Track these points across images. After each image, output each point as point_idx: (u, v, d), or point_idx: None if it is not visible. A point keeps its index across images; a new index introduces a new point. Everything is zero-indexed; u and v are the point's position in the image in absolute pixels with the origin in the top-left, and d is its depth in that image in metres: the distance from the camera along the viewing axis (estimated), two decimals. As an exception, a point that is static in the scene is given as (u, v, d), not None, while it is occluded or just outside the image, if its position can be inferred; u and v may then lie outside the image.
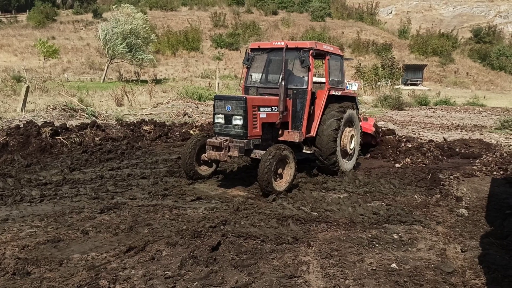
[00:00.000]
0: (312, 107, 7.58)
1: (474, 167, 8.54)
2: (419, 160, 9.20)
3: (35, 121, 9.26)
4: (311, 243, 4.74)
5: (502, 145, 10.94)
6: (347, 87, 8.67)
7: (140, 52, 32.48)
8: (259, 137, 6.89)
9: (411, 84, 41.47)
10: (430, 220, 5.67)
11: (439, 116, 19.87)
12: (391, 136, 10.58)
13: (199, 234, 4.76)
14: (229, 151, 6.61)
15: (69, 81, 28.75)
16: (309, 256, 4.45)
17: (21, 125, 8.91)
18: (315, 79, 8.69)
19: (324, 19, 64.41)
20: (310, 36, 47.79)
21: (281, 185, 6.58)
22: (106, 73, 32.18)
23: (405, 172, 8.17)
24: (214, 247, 4.46)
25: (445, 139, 11.34)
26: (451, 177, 7.76)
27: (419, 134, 13.07)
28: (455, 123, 17.02)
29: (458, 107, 25.30)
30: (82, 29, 55.04)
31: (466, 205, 6.39)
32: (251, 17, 63.09)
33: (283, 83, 6.92)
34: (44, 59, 33.39)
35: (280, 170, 6.59)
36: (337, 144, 7.51)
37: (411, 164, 8.95)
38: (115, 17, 32.21)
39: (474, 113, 21.98)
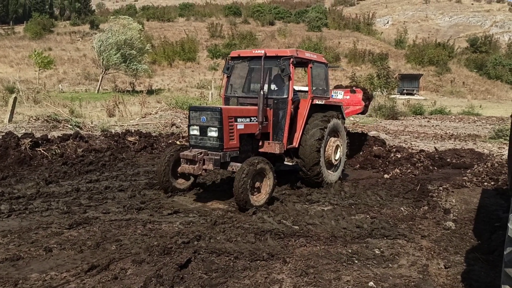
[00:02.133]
0: (295, 117, 7.36)
1: (465, 178, 8.31)
2: (409, 170, 8.97)
3: (16, 133, 9.04)
4: (287, 260, 4.50)
5: (495, 155, 10.73)
6: (332, 95, 8.47)
7: (135, 63, 32.47)
8: (237, 149, 6.58)
9: (407, 94, 41.43)
10: (415, 234, 5.44)
11: (433, 126, 19.70)
12: (380, 147, 10.36)
13: (169, 251, 4.51)
14: (203, 164, 6.30)
15: (63, 92, 28.67)
16: (283, 273, 4.21)
17: (0, 137, 8.70)
18: (300, 88, 8.49)
19: (320, 29, 64.78)
20: (306, 46, 47.92)
21: (260, 198, 6.30)
22: (100, 83, 32.10)
23: (394, 183, 7.94)
24: (183, 265, 4.22)
25: (436, 149, 11.13)
26: (440, 188, 7.53)
27: (411, 144, 12.86)
28: (449, 132, 16.83)
29: (453, 117, 25.15)
30: (79, 40, 55.24)
31: (454, 217, 6.16)
32: (247, 27, 63.40)
33: (262, 92, 6.65)
34: (39, 70, 33.37)
35: (257, 184, 6.28)
36: (320, 155, 7.25)
37: (400, 175, 8.72)
38: (110, 28, 32.28)
39: (469, 123, 21.82)
